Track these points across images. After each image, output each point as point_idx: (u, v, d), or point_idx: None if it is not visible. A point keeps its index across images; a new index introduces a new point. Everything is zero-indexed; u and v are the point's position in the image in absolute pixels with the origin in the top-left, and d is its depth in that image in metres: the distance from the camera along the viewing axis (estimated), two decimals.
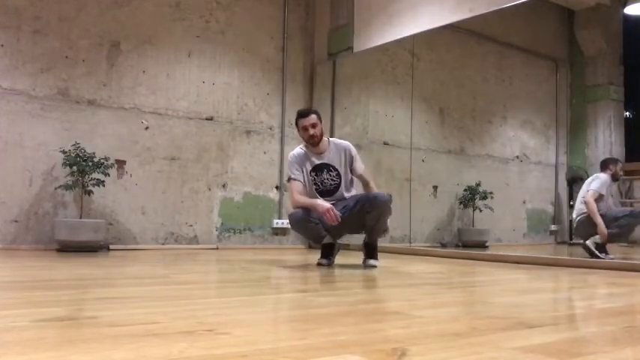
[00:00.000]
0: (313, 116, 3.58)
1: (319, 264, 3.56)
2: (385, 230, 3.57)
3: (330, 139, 3.72)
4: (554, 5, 7.74)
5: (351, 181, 3.64)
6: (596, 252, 4.49)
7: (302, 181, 3.55)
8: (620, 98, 7.59)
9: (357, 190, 3.68)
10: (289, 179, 3.66)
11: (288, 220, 3.84)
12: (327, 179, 3.57)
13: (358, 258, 3.67)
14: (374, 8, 5.44)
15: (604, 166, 4.98)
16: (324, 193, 3.55)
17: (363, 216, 3.41)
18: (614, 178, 4.91)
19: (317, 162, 3.58)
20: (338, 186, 3.57)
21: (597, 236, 4.53)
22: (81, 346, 1.23)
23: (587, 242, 4.56)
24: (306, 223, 3.47)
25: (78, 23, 4.72)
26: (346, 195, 3.57)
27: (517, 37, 7.50)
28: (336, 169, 3.57)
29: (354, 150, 3.64)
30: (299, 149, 3.66)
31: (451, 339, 1.39)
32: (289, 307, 2.00)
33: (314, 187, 3.57)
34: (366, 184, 3.69)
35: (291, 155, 3.66)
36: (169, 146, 5.12)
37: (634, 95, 7.48)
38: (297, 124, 3.64)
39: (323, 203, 3.36)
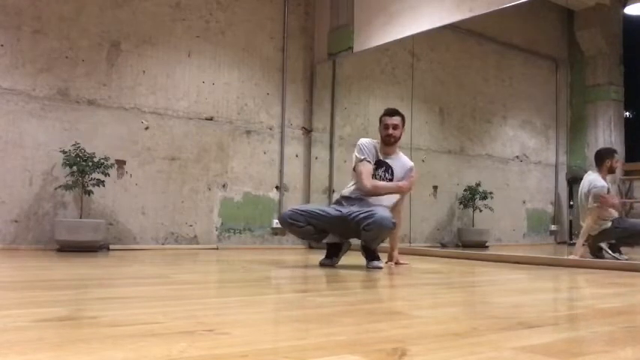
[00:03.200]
0: (397, 118, 3.63)
1: (322, 264, 3.55)
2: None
3: (404, 155, 3.77)
4: (554, 5, 7.73)
5: (393, 197, 3.62)
6: (610, 252, 4.47)
7: (372, 163, 3.57)
8: (620, 98, 7.58)
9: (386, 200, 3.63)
10: (360, 160, 3.58)
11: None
12: (382, 177, 3.58)
13: (358, 258, 3.67)
14: (374, 8, 5.44)
15: (599, 159, 4.71)
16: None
17: (360, 230, 3.35)
18: (610, 171, 4.68)
19: (382, 159, 3.60)
20: (386, 177, 3.58)
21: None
22: (81, 346, 1.23)
23: (602, 244, 4.52)
24: (290, 227, 3.50)
25: (78, 23, 4.72)
26: (383, 202, 3.52)
27: (517, 37, 7.49)
28: (392, 175, 3.58)
29: (413, 169, 3.69)
30: (371, 139, 3.69)
31: (451, 339, 1.39)
32: (289, 307, 2.00)
33: (370, 175, 3.56)
34: (399, 204, 3.69)
35: (363, 140, 3.66)
36: (169, 146, 5.12)
37: (634, 95, 7.47)
38: (380, 119, 3.68)
39: (402, 184, 3.56)
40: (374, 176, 3.56)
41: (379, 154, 3.62)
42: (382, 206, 3.43)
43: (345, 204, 3.52)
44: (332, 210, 3.51)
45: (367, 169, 3.53)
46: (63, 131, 4.61)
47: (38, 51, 4.55)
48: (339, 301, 2.14)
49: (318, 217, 3.45)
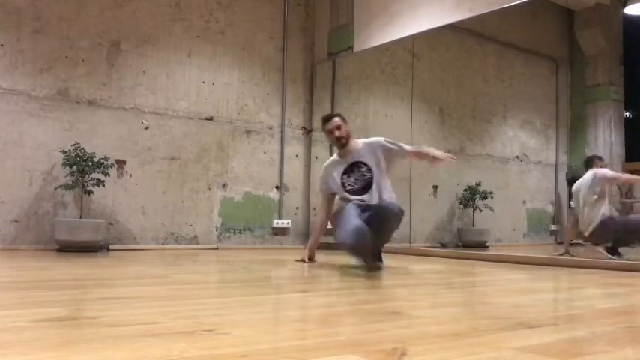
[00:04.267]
0: (336, 119, 3.65)
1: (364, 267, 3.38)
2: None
3: (362, 139, 3.75)
4: (554, 5, 7.73)
5: (388, 178, 3.62)
6: (608, 255, 4.48)
7: (330, 191, 3.67)
8: (620, 98, 7.58)
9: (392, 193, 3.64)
10: (320, 191, 3.82)
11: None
12: (359, 177, 3.57)
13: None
14: (374, 8, 5.44)
15: (589, 164, 4.88)
16: (357, 192, 3.55)
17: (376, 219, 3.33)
18: None
19: (348, 164, 3.61)
20: (370, 180, 3.54)
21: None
22: (81, 346, 1.23)
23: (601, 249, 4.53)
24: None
25: (78, 23, 4.72)
26: (382, 192, 3.52)
27: (517, 37, 7.50)
28: (367, 165, 3.57)
29: (384, 140, 3.66)
30: (332, 158, 3.79)
31: (451, 339, 1.39)
32: (289, 307, 2.00)
33: (345, 190, 3.58)
34: (423, 154, 3.72)
35: (324, 166, 3.80)
36: (169, 146, 5.12)
37: (634, 95, 7.47)
38: (323, 130, 3.73)
39: (307, 248, 3.78)
40: (352, 185, 3.57)
41: (343, 162, 3.64)
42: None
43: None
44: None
45: (320, 202, 3.78)
46: (63, 131, 4.61)
47: (38, 51, 4.55)
48: (339, 301, 2.14)
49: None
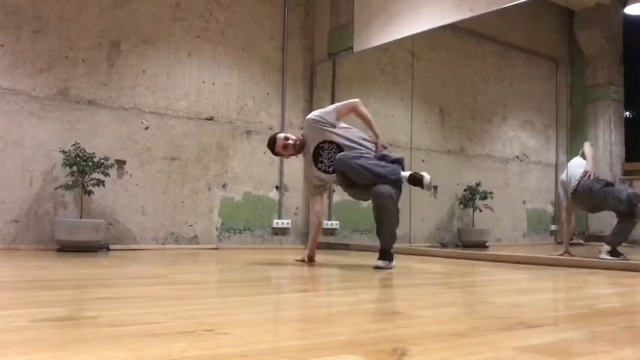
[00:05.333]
0: (278, 135, 3.80)
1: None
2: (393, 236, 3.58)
3: (304, 127, 3.89)
4: (554, 5, 7.73)
5: (345, 129, 3.71)
6: (610, 258, 4.47)
7: (314, 195, 3.81)
8: (620, 98, 7.58)
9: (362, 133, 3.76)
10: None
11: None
12: (328, 155, 3.67)
13: (359, 258, 3.66)
14: (374, 8, 5.44)
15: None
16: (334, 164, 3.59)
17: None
18: None
19: (312, 154, 3.73)
20: (337, 148, 3.64)
21: (605, 246, 4.51)
22: (81, 346, 1.23)
23: (602, 256, 4.52)
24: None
25: (78, 23, 4.72)
26: (357, 142, 3.63)
27: (517, 37, 7.49)
28: (325, 141, 3.68)
29: (316, 113, 3.77)
30: (306, 165, 3.89)
31: (451, 339, 1.39)
32: (289, 307, 2.00)
33: (328, 173, 3.68)
34: (365, 121, 3.81)
35: (303, 174, 4.04)
36: (169, 146, 5.12)
37: (634, 95, 7.46)
38: (277, 155, 3.89)
39: (307, 248, 3.83)
40: (326, 168, 3.68)
41: (308, 157, 3.77)
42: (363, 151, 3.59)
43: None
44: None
45: (311, 203, 3.92)
46: (63, 131, 4.61)
47: (38, 51, 4.55)
48: (339, 301, 2.14)
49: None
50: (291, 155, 3.83)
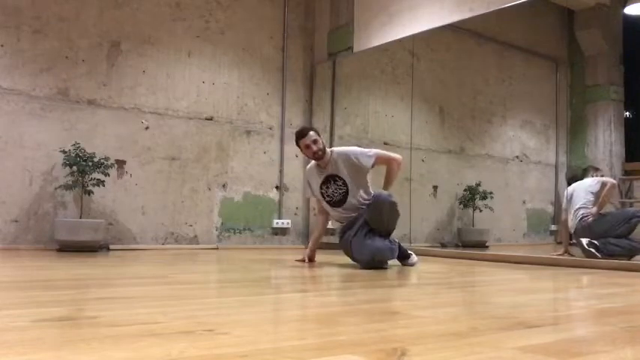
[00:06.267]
0: (312, 133, 3.65)
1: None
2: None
3: (333, 149, 3.79)
4: (554, 5, 7.73)
5: (365, 186, 3.64)
6: (594, 251, 4.48)
7: (315, 197, 3.79)
8: (620, 98, 7.58)
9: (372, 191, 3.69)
10: (308, 197, 4.05)
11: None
12: (335, 190, 3.63)
13: None
14: (374, 8, 5.44)
15: (586, 173, 5.06)
16: (336, 204, 3.65)
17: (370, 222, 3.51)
18: None
19: (324, 175, 3.65)
20: (346, 194, 3.61)
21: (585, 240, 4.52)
22: (81, 346, 1.23)
23: (583, 243, 4.52)
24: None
25: (78, 23, 4.72)
26: (360, 201, 3.60)
27: (517, 37, 7.49)
28: (342, 178, 3.61)
29: (354, 151, 3.67)
30: (311, 164, 3.80)
31: (451, 339, 1.39)
32: (289, 307, 2.00)
33: (325, 201, 3.69)
34: (390, 178, 3.73)
35: (305, 171, 3.88)
36: (169, 146, 5.12)
37: (634, 95, 7.47)
38: (298, 145, 3.70)
39: (308, 249, 3.83)
40: (330, 196, 3.65)
41: (320, 173, 3.68)
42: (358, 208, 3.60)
43: (347, 231, 3.61)
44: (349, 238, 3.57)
45: (315, 201, 3.91)
46: (63, 131, 4.61)
47: (38, 51, 4.55)
48: (339, 301, 2.14)
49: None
50: (313, 153, 3.63)
